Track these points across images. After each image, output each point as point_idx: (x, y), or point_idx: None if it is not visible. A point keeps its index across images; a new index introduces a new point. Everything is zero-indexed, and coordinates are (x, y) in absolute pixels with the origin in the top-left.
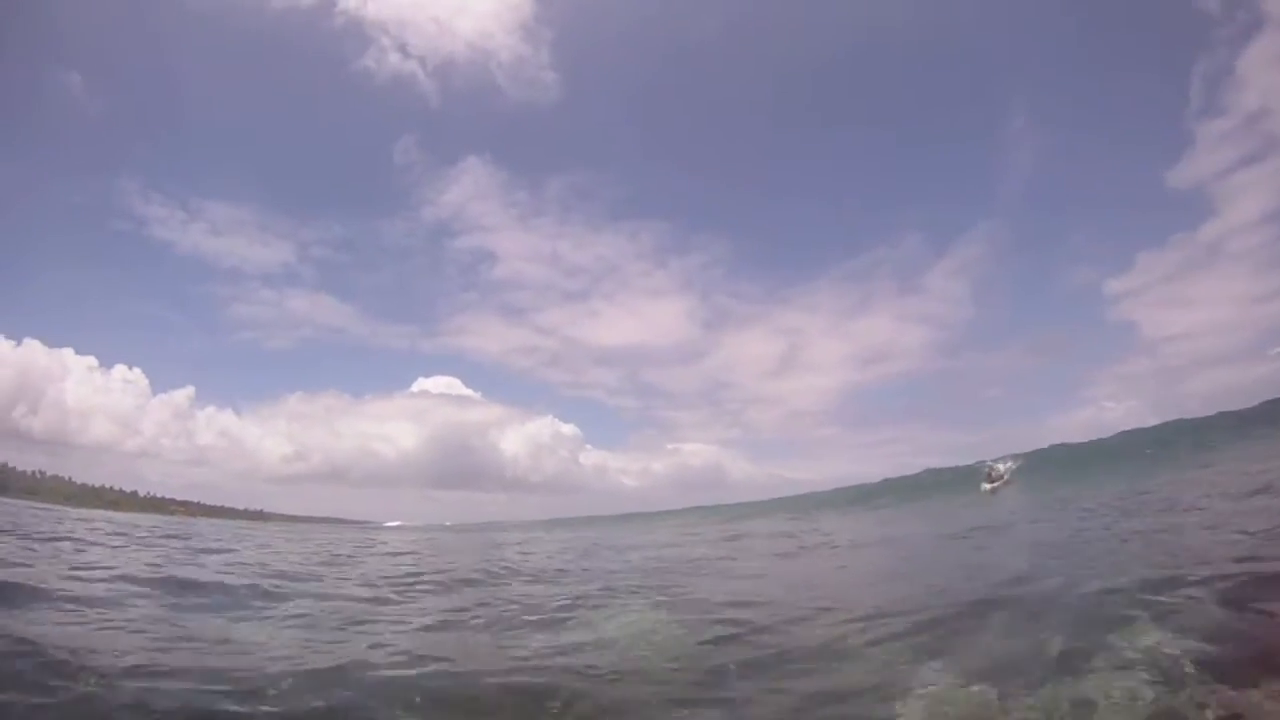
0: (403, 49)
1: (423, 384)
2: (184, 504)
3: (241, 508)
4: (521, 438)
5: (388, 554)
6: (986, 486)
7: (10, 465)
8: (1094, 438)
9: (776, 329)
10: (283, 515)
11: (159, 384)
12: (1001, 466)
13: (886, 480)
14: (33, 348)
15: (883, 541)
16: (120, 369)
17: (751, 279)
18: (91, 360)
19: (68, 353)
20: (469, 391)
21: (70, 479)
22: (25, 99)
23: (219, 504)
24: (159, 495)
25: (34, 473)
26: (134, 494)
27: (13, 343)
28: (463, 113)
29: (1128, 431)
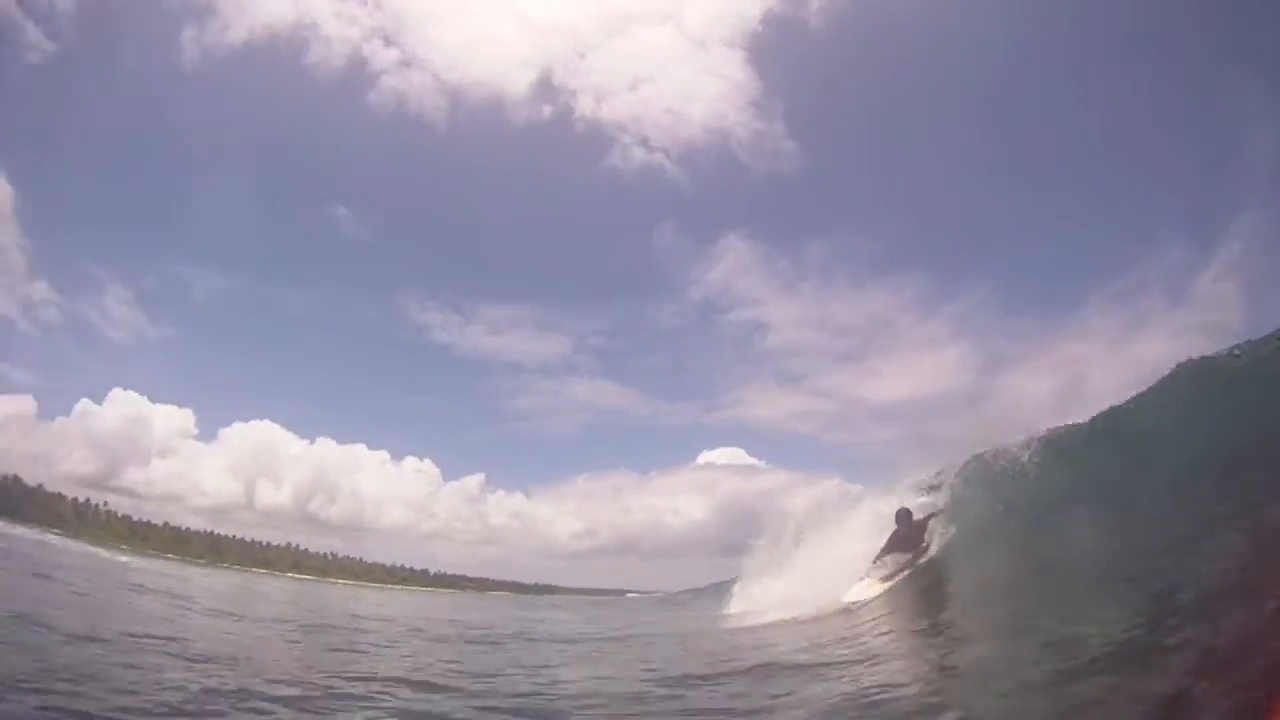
0: (644, 143)
1: (707, 456)
2: (475, 580)
3: (531, 582)
4: (807, 501)
5: None
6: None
7: (303, 547)
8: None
9: (1052, 362)
10: (570, 589)
11: (449, 472)
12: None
13: None
14: (325, 445)
15: None
16: (411, 460)
17: (1019, 314)
18: (384, 454)
19: (360, 448)
20: (753, 460)
21: (360, 559)
22: (308, 232)
23: (509, 579)
24: (450, 573)
25: (327, 554)
26: (424, 572)
27: (306, 441)
28: (712, 193)
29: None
